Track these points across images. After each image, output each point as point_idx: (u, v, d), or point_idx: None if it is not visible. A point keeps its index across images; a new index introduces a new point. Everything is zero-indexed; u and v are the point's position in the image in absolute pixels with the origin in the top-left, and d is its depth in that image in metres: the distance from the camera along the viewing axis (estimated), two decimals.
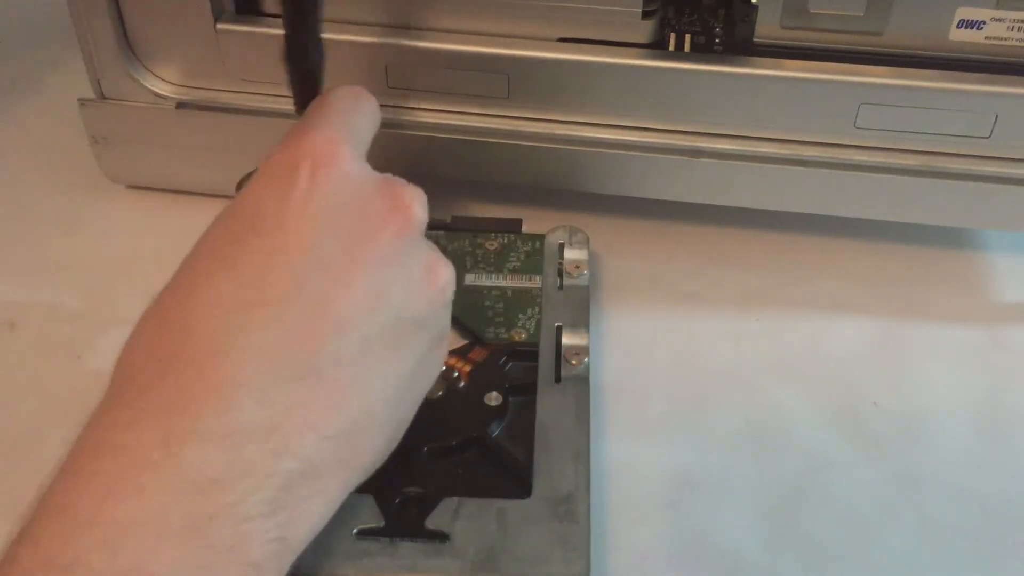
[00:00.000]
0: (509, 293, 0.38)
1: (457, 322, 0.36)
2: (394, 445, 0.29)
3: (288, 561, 0.26)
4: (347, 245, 0.28)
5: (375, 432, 0.28)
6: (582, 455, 0.32)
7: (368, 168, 0.30)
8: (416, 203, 0.30)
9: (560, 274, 0.38)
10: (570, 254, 0.39)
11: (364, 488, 0.30)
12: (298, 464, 0.25)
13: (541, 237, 0.40)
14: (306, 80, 0.33)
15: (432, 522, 0.30)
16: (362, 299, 0.27)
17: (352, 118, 0.31)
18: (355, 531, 0.29)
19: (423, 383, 0.30)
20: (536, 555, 0.29)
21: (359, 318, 0.27)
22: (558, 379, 0.34)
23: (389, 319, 0.28)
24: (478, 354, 0.35)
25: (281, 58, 0.33)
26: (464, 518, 0.30)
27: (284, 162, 0.29)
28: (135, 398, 0.25)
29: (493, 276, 0.38)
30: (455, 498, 0.30)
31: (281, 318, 0.26)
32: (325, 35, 0.38)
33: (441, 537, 0.29)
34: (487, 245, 0.40)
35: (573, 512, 0.30)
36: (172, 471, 0.24)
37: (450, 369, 0.35)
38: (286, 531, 0.25)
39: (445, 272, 0.30)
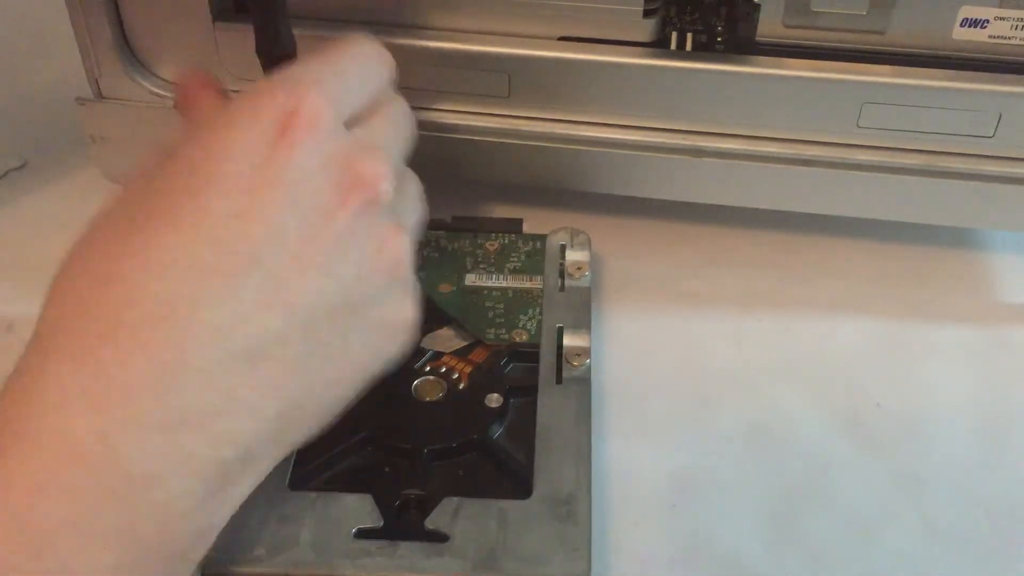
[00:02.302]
0: (510, 294, 0.37)
1: (457, 323, 0.36)
2: (328, 421, 0.29)
3: (211, 540, 0.26)
4: (308, 221, 0.27)
5: (311, 412, 0.28)
6: (583, 456, 0.32)
7: (344, 136, 0.28)
8: (382, 179, 0.28)
9: (562, 275, 0.38)
10: (572, 255, 0.39)
11: (363, 488, 0.30)
12: (235, 451, 0.25)
13: (542, 237, 0.40)
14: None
15: (432, 522, 0.30)
16: (314, 280, 0.27)
17: (350, 80, 0.30)
18: (354, 531, 0.29)
19: (373, 365, 0.29)
20: (537, 555, 0.29)
21: (308, 299, 0.26)
22: (559, 380, 0.34)
23: (338, 300, 0.27)
24: (478, 355, 0.35)
25: (255, 51, 0.32)
26: (464, 518, 0.30)
27: (265, 116, 0.27)
28: (71, 365, 0.24)
29: (494, 276, 0.38)
30: (455, 498, 0.30)
31: (234, 294, 0.25)
32: (325, 34, 0.38)
33: (441, 537, 0.29)
34: (488, 245, 0.39)
35: (574, 512, 0.30)
36: (107, 467, 0.23)
37: (450, 371, 0.34)
38: (215, 518, 0.25)
39: (399, 246, 0.29)
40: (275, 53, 0.32)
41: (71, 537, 0.22)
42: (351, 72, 0.30)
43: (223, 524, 0.26)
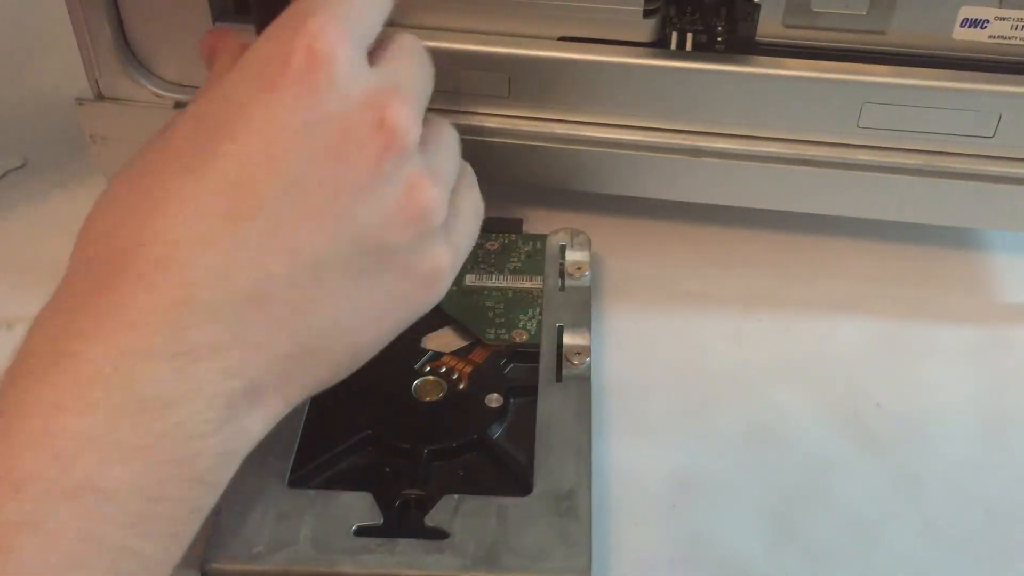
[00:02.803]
0: (510, 294, 0.37)
1: (457, 323, 0.36)
2: (347, 372, 0.29)
3: (229, 472, 0.26)
4: (322, 166, 0.26)
5: (322, 357, 0.28)
6: (583, 452, 0.32)
7: (364, 69, 0.27)
8: (405, 121, 0.27)
9: (562, 275, 0.38)
10: (571, 256, 0.39)
11: (363, 488, 0.30)
12: (242, 383, 0.26)
13: (542, 237, 0.40)
14: None
15: (432, 519, 0.30)
16: (327, 226, 0.26)
17: (363, 8, 0.28)
18: (354, 528, 0.29)
19: (398, 314, 0.29)
20: (537, 551, 0.29)
21: (319, 246, 0.26)
22: (559, 378, 0.34)
23: (354, 248, 0.27)
24: (478, 355, 0.35)
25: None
26: (464, 515, 0.30)
27: (275, 53, 0.26)
28: (88, 301, 0.25)
29: (494, 276, 0.38)
30: (455, 495, 0.30)
31: (237, 236, 0.25)
32: None
33: (441, 534, 0.29)
34: (487, 245, 0.39)
35: (574, 508, 0.30)
36: (122, 389, 0.24)
37: (450, 371, 0.34)
38: (230, 445, 0.26)
39: (428, 195, 0.28)
40: None
41: (92, 451, 0.23)
42: (366, 3, 0.29)
43: (239, 460, 0.27)
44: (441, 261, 0.29)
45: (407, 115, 0.27)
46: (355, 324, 0.28)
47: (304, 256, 0.26)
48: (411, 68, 0.30)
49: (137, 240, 0.25)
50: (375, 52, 0.29)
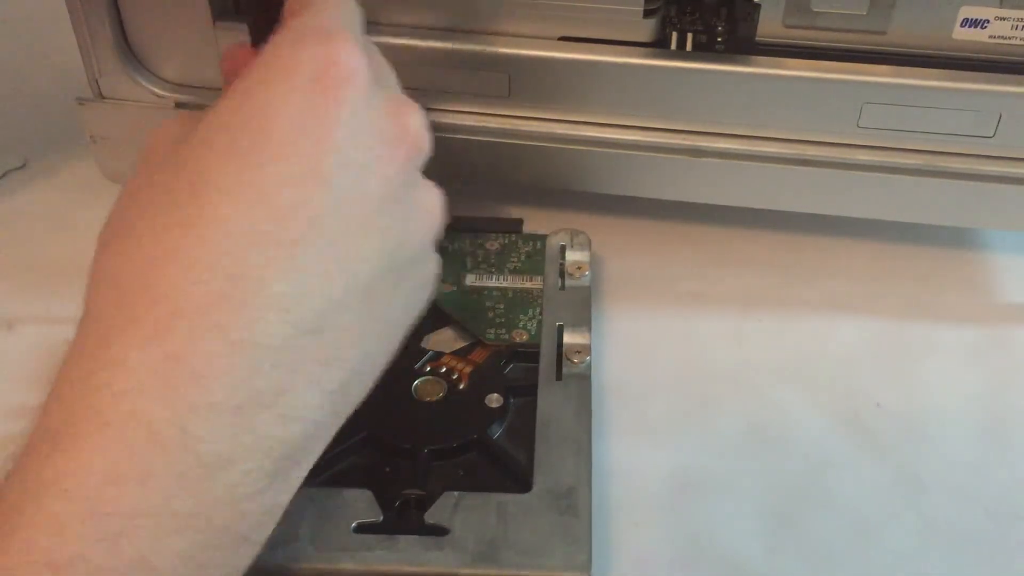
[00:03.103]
0: (510, 294, 0.37)
1: (457, 323, 0.36)
2: (371, 388, 0.28)
3: (272, 527, 0.25)
4: (364, 178, 0.26)
5: (367, 377, 0.27)
6: (583, 450, 0.32)
7: (380, 87, 0.27)
8: (422, 129, 0.28)
9: (562, 275, 0.38)
10: (572, 256, 0.39)
11: (363, 486, 0.30)
12: (303, 427, 0.24)
13: (542, 237, 0.40)
14: None
15: (432, 516, 0.30)
16: (375, 241, 0.26)
17: (355, 13, 0.29)
18: (353, 526, 0.29)
19: (409, 319, 0.29)
20: (537, 547, 0.29)
21: (369, 261, 0.26)
22: (559, 376, 0.34)
23: (387, 262, 0.26)
24: (478, 355, 0.35)
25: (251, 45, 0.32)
26: (464, 512, 0.30)
27: (302, 66, 0.25)
28: (139, 347, 0.22)
29: (494, 276, 0.38)
30: (455, 492, 0.30)
31: (298, 264, 0.24)
32: None
33: (441, 531, 0.29)
34: (488, 245, 0.39)
35: (574, 505, 0.30)
36: (181, 451, 0.22)
37: (450, 371, 0.34)
38: (280, 498, 0.25)
39: (437, 204, 0.28)
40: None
41: (147, 526, 0.21)
42: (359, 14, 0.29)
43: (285, 505, 0.25)
44: (436, 265, 0.30)
45: (422, 122, 0.28)
46: (389, 340, 0.28)
47: (358, 276, 0.25)
48: (397, 80, 0.30)
49: (189, 273, 0.23)
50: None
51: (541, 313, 0.37)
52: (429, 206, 0.28)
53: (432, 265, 0.29)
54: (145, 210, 0.25)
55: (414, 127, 0.27)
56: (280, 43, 0.26)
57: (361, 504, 0.30)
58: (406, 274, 0.27)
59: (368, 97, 0.26)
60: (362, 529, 0.29)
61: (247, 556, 0.24)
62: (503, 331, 0.36)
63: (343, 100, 0.25)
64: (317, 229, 0.24)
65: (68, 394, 0.22)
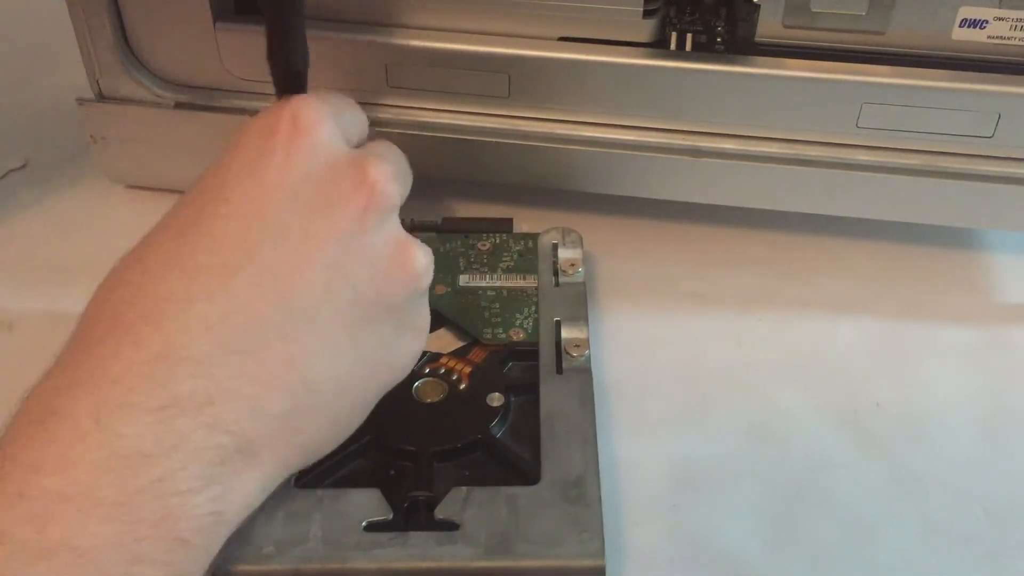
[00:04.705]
0: (504, 293, 0.37)
1: (454, 323, 0.36)
2: (346, 432, 0.29)
3: (222, 535, 0.26)
4: (308, 218, 0.27)
5: (320, 413, 0.28)
6: (589, 440, 0.32)
7: (345, 144, 0.29)
8: (386, 180, 0.29)
9: (555, 272, 0.38)
10: (564, 254, 0.39)
11: (369, 482, 0.30)
12: (232, 439, 0.25)
13: (534, 236, 0.40)
14: (290, 79, 0.32)
15: (442, 512, 0.30)
16: (316, 274, 0.27)
17: (341, 105, 0.31)
18: (364, 524, 0.29)
19: (388, 372, 0.30)
20: (550, 538, 0.29)
21: (310, 294, 0.27)
22: (559, 371, 0.34)
23: (346, 298, 0.28)
24: (477, 355, 0.35)
25: (266, 56, 0.31)
26: (474, 506, 0.30)
27: (263, 126, 0.28)
28: (78, 360, 0.25)
29: (487, 276, 0.38)
30: (463, 488, 0.30)
31: (228, 287, 0.26)
32: (326, 34, 0.38)
33: (451, 526, 0.29)
34: (479, 246, 0.39)
35: (584, 495, 0.30)
36: (101, 444, 0.24)
37: (450, 371, 0.34)
38: (219, 505, 0.25)
39: (420, 258, 0.29)
40: (286, 65, 0.31)
41: (70, 511, 0.23)
42: (347, 104, 0.32)
43: (235, 523, 0.26)
44: (426, 319, 0.31)
45: (388, 175, 0.29)
46: (352, 379, 0.28)
47: (296, 304, 0.27)
48: (393, 154, 0.32)
49: (128, 300, 0.26)
50: (358, 147, 0.31)
51: (537, 311, 0.37)
52: (413, 260, 0.29)
53: (420, 317, 0.31)
54: (128, 258, 0.28)
55: (375, 177, 0.28)
56: (257, 116, 0.29)
57: (370, 503, 0.30)
58: (383, 315, 0.29)
59: (325, 146, 0.28)
60: (372, 527, 0.29)
61: (190, 560, 0.25)
62: (500, 330, 0.36)
63: (294, 147, 0.28)
64: (251, 258, 0.26)
65: (28, 398, 0.25)
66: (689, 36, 0.39)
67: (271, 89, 0.41)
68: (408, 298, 0.29)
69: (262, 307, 0.26)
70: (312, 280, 0.27)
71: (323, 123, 0.29)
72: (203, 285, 0.26)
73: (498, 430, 0.33)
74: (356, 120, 0.32)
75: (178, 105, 0.41)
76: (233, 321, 0.26)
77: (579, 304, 0.37)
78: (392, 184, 0.29)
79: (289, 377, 0.27)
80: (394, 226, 0.29)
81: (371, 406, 0.30)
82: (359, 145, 0.32)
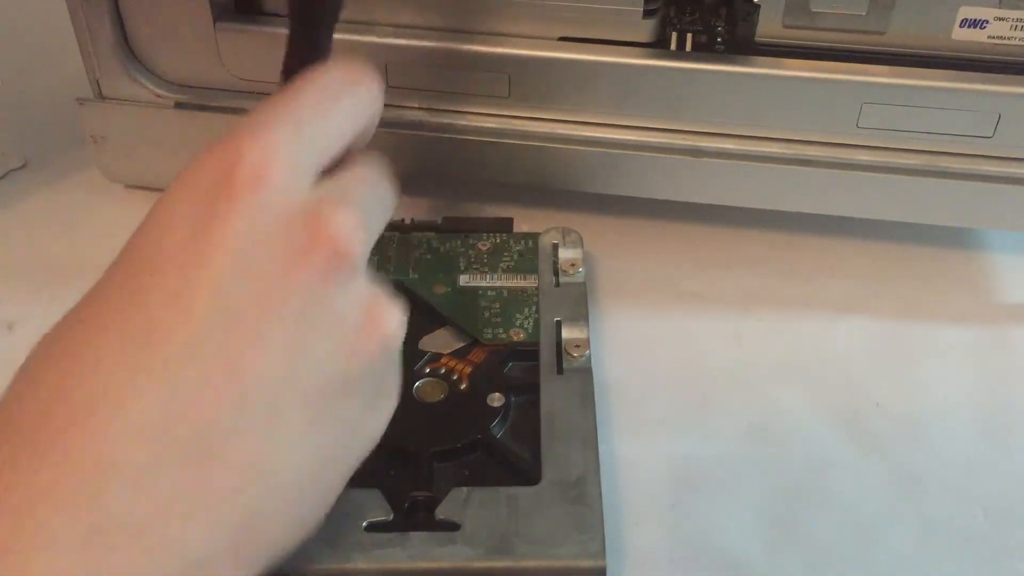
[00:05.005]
0: (505, 293, 0.37)
1: (454, 323, 0.36)
2: (316, 524, 0.26)
3: None
4: (260, 290, 0.23)
5: (285, 513, 0.24)
6: (589, 441, 0.32)
7: (300, 189, 0.24)
8: (349, 233, 0.24)
9: (556, 272, 0.38)
10: (564, 253, 0.39)
11: (369, 482, 0.30)
12: (180, 564, 0.22)
13: (534, 236, 0.40)
14: (309, 31, 0.29)
15: (442, 512, 0.30)
16: (274, 358, 0.23)
17: (316, 122, 0.26)
18: (364, 524, 0.29)
19: (359, 448, 0.26)
20: (550, 538, 0.29)
21: (269, 381, 0.23)
22: (560, 371, 0.34)
23: (309, 381, 0.24)
24: (477, 355, 0.35)
25: (281, 73, 0.30)
26: (474, 507, 0.30)
27: (202, 178, 0.24)
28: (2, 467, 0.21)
29: (488, 276, 0.38)
30: (464, 488, 0.30)
31: (171, 382, 0.22)
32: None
33: (452, 527, 0.29)
34: (479, 246, 0.39)
35: (584, 495, 0.30)
36: (20, 569, 0.20)
37: (450, 372, 0.34)
38: None
39: (391, 319, 0.25)
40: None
41: None
42: (325, 109, 0.26)
43: None
44: (397, 380, 0.27)
45: (352, 226, 0.24)
46: (320, 467, 0.25)
47: (254, 396, 0.23)
48: (365, 185, 0.27)
49: (53, 397, 0.22)
50: (333, 171, 0.26)
51: (537, 311, 0.37)
52: (382, 321, 0.25)
53: (396, 378, 0.27)
54: (57, 330, 0.24)
55: (334, 229, 0.24)
56: (206, 147, 0.25)
57: (371, 503, 0.30)
58: (350, 392, 0.25)
59: (270, 202, 0.24)
60: (373, 528, 0.29)
61: None
62: (500, 330, 0.36)
63: (232, 208, 0.23)
64: (196, 346, 0.22)
65: None
66: (689, 36, 0.39)
67: (271, 89, 0.41)
68: (379, 363, 0.26)
69: (213, 404, 0.22)
70: (270, 365, 0.23)
71: (272, 173, 0.24)
72: (140, 381, 0.22)
73: (498, 430, 0.33)
74: (330, 133, 0.26)
75: (178, 105, 0.41)
76: (178, 423, 0.22)
77: (579, 304, 0.37)
78: (356, 235, 0.24)
79: (247, 482, 0.23)
80: (360, 285, 0.25)
81: (342, 487, 0.26)
82: (338, 158, 0.27)
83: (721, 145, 0.39)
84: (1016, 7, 0.35)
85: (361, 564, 0.28)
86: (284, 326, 0.23)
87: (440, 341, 0.36)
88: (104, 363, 0.22)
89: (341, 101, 0.27)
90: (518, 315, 0.37)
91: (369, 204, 0.26)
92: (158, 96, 0.41)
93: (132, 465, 0.21)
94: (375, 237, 0.26)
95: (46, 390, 0.22)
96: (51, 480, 0.21)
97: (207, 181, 0.24)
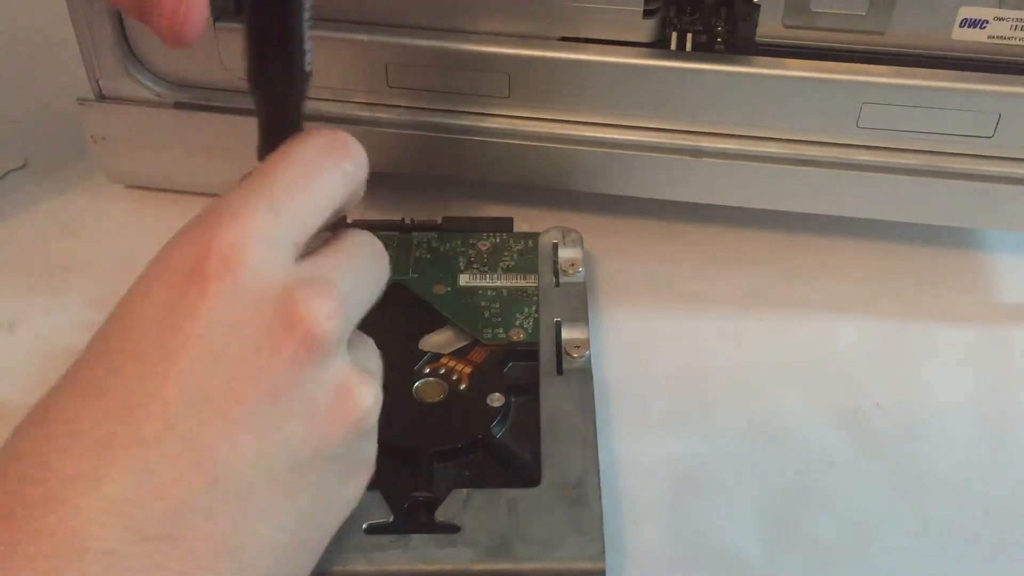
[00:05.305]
0: (504, 293, 0.37)
1: (454, 323, 0.36)
2: None
3: None
4: (231, 375, 0.23)
5: None
6: (589, 442, 0.32)
7: (276, 271, 0.24)
8: (323, 319, 0.24)
9: (556, 272, 0.38)
10: (564, 253, 0.39)
11: (368, 487, 0.30)
12: None
13: (534, 236, 0.40)
14: (277, 110, 0.28)
15: (442, 514, 0.30)
16: (245, 441, 0.23)
17: (294, 199, 0.25)
18: (364, 527, 0.29)
19: (335, 520, 0.27)
20: (550, 540, 0.29)
21: (241, 464, 0.23)
22: (560, 371, 0.34)
23: (281, 461, 0.24)
24: (477, 355, 0.35)
25: (246, 77, 0.27)
26: (474, 509, 0.30)
27: (176, 262, 0.24)
28: None
29: (488, 276, 0.38)
30: (464, 490, 0.30)
31: (144, 464, 0.22)
32: (325, 34, 0.38)
33: (452, 529, 0.29)
34: (479, 245, 0.39)
35: (584, 496, 0.30)
36: None
37: (450, 372, 0.34)
38: None
39: (365, 396, 0.26)
40: (275, 89, 0.27)
41: None
42: (302, 185, 0.26)
43: None
44: (371, 455, 0.28)
45: (327, 311, 0.24)
46: (294, 542, 0.25)
47: (225, 479, 0.23)
48: (348, 265, 0.27)
49: (26, 477, 0.22)
50: (319, 248, 0.27)
51: (537, 311, 0.37)
52: (355, 401, 0.25)
53: (370, 453, 0.27)
54: (34, 412, 0.24)
55: (309, 315, 0.24)
56: (180, 230, 0.25)
57: (371, 505, 0.30)
58: (316, 473, 0.25)
59: (244, 287, 0.24)
60: (373, 530, 0.29)
61: None
62: (500, 330, 0.36)
63: (204, 293, 0.24)
64: (170, 429, 0.23)
65: None
66: (689, 36, 0.39)
67: None
68: (353, 440, 0.26)
69: (185, 485, 0.23)
70: (242, 449, 0.23)
71: (243, 257, 0.24)
72: (114, 461, 0.22)
73: (498, 430, 0.33)
74: (308, 211, 0.26)
75: (178, 105, 0.41)
76: (151, 503, 0.22)
77: (579, 304, 0.37)
78: (331, 319, 0.24)
79: (221, 562, 0.23)
80: (335, 366, 0.25)
81: (317, 558, 0.27)
82: (326, 227, 0.27)
83: (721, 145, 0.39)
84: (1016, 7, 0.35)
85: (361, 566, 0.28)
86: (255, 410, 0.24)
87: (440, 341, 0.36)
88: (82, 439, 0.23)
89: (321, 175, 0.26)
90: (518, 315, 0.37)
91: (350, 284, 0.26)
92: (158, 96, 0.41)
93: (106, 544, 0.22)
94: (357, 316, 0.27)
95: (27, 461, 0.23)
96: (25, 560, 0.21)
97: (181, 266, 0.24)
